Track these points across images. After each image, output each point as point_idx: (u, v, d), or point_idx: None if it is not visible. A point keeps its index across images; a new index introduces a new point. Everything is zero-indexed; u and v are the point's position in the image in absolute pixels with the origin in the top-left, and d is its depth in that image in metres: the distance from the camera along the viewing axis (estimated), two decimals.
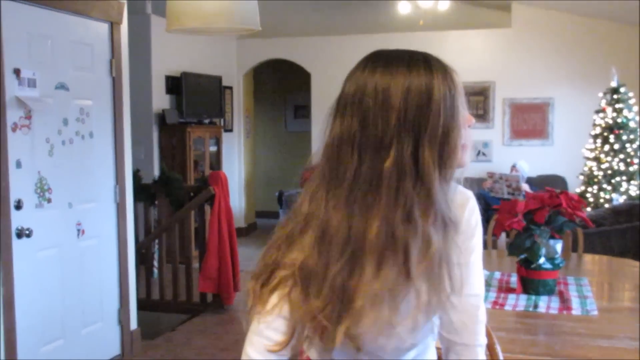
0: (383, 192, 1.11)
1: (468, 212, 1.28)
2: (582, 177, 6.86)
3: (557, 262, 2.70)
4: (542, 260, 2.66)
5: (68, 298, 3.80)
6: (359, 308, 1.11)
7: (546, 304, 2.58)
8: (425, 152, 1.11)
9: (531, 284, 2.69)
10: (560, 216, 2.64)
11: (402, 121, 1.11)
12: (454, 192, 1.23)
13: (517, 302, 2.62)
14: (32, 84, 3.44)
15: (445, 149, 1.13)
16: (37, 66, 3.49)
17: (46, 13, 3.55)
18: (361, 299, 1.11)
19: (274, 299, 1.19)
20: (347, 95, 1.18)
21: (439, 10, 7.22)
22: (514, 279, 2.91)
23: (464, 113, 1.20)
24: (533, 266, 2.67)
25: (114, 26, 4.08)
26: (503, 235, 3.98)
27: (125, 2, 4.18)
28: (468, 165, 1.22)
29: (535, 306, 2.56)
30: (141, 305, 4.72)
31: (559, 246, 2.77)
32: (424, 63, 1.18)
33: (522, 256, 2.70)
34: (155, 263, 5.92)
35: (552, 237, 2.72)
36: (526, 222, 2.64)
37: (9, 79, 3.29)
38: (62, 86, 3.68)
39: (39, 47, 3.51)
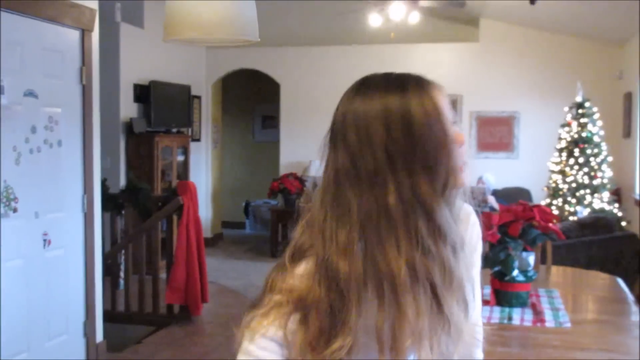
0: (397, 228, 1.07)
1: (470, 227, 1.26)
2: (546, 190, 6.97)
3: (529, 274, 2.73)
4: (515, 272, 2.68)
5: (33, 310, 3.71)
6: (405, 347, 1.08)
7: (520, 316, 2.60)
8: (421, 182, 1.07)
9: (505, 296, 2.72)
10: (534, 229, 2.67)
11: (390, 153, 1.07)
12: (458, 210, 1.20)
13: (491, 314, 2.64)
14: (0, 90, 3.37)
15: (440, 174, 1.09)
16: (6, 72, 3.42)
17: (17, 19, 3.48)
18: (407, 338, 1.08)
19: (267, 321, 1.14)
20: (336, 126, 1.13)
21: (410, 24, 7.28)
22: (487, 291, 2.92)
23: (453, 131, 1.13)
24: (507, 278, 2.69)
25: (85, 33, 4.03)
26: None
27: (97, 9, 4.13)
28: (466, 185, 1.18)
29: (509, 318, 2.58)
30: (106, 317, 4.63)
31: (531, 259, 2.81)
32: (399, 86, 1.12)
33: (496, 268, 2.72)
34: (122, 274, 5.83)
35: (525, 249, 2.75)
36: (500, 235, 2.67)
37: None
38: (31, 93, 3.61)
39: (8, 53, 3.44)
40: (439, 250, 1.08)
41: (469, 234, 1.25)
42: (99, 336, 4.32)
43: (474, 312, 1.26)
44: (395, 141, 1.06)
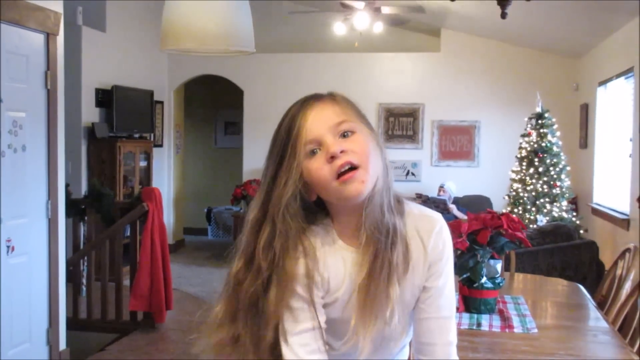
0: None
1: (434, 237, 1.33)
2: (507, 198, 7.10)
3: (497, 281, 2.79)
4: (483, 279, 2.74)
5: None
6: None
7: (488, 322, 2.66)
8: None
9: (473, 302, 2.77)
10: (501, 237, 2.73)
11: None
12: (417, 217, 1.34)
13: (460, 320, 2.69)
14: None
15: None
16: None
17: None
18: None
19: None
20: None
21: (374, 33, 7.37)
22: (455, 298, 2.97)
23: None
24: (475, 285, 2.75)
25: (50, 37, 3.98)
26: None
27: (62, 13, 4.08)
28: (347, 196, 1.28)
29: (478, 324, 2.63)
30: (69, 324, 4.57)
31: (499, 266, 2.87)
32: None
33: (465, 275, 2.77)
34: (84, 280, 5.74)
35: (493, 257, 2.81)
36: (469, 243, 2.72)
37: None
38: None
39: None
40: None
41: (432, 244, 1.33)
42: (62, 344, 4.26)
43: (443, 322, 1.35)
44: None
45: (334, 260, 1.32)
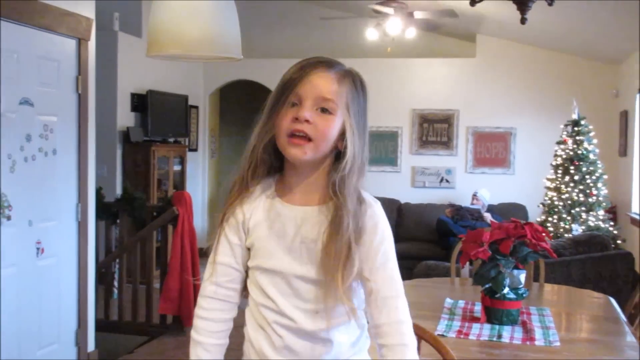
0: None
1: (368, 218, 1.44)
2: (542, 207, 6.97)
3: (520, 292, 2.72)
4: (506, 290, 2.68)
5: (24, 318, 3.70)
6: None
7: (510, 334, 2.60)
8: None
9: (495, 313, 2.71)
10: (525, 247, 2.67)
11: None
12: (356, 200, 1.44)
13: (481, 331, 2.64)
14: None
15: None
16: (2, 81, 3.42)
17: (13, 27, 3.49)
18: None
19: None
20: None
21: (407, 38, 7.32)
22: (477, 308, 2.92)
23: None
24: (497, 296, 2.69)
25: (81, 42, 4.04)
26: None
27: (94, 19, 4.14)
28: (287, 154, 1.42)
29: (499, 336, 2.57)
30: (99, 326, 4.62)
31: (522, 276, 2.81)
32: None
33: (487, 286, 2.72)
34: (115, 283, 5.81)
35: (516, 267, 2.75)
36: (491, 252, 2.67)
37: None
38: (26, 102, 3.62)
39: (4, 61, 3.45)
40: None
41: (368, 226, 1.44)
42: (91, 345, 4.31)
43: (390, 301, 1.43)
44: None
45: (263, 207, 1.47)
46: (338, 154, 1.44)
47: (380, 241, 1.43)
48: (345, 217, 1.38)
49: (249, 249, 1.50)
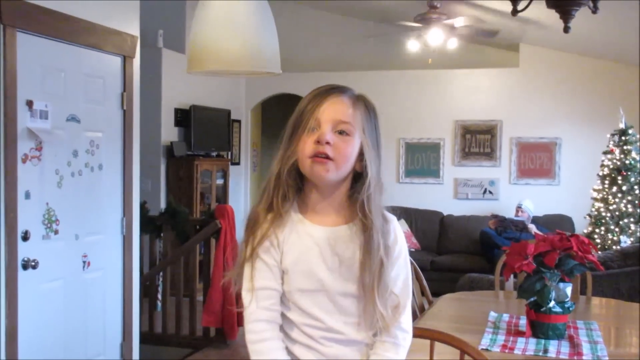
0: None
1: (387, 233, 1.52)
2: (589, 218, 6.83)
3: (567, 305, 2.67)
4: (552, 303, 2.63)
5: (71, 331, 3.77)
6: None
7: (556, 349, 2.55)
8: None
9: (541, 327, 2.66)
10: (571, 259, 2.62)
11: None
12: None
13: (527, 346, 2.59)
14: (44, 115, 3.46)
15: None
16: (50, 98, 3.51)
17: (61, 46, 3.59)
18: None
19: None
20: None
21: (448, 49, 7.28)
22: (522, 322, 2.87)
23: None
24: (543, 309, 2.64)
25: (126, 60, 4.12)
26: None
27: (139, 36, 4.22)
28: (312, 174, 1.49)
29: (545, 350, 2.52)
30: (143, 339, 4.68)
31: (568, 289, 2.75)
32: None
33: (532, 299, 2.67)
34: (159, 296, 5.89)
35: (562, 280, 2.69)
36: (536, 265, 2.62)
37: (22, 111, 3.31)
38: (73, 118, 3.70)
39: (52, 79, 3.54)
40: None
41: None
42: (136, 357, 4.36)
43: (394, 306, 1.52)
44: None
45: (295, 231, 1.52)
46: (355, 175, 1.52)
47: (397, 255, 1.53)
48: (375, 235, 1.48)
49: (283, 272, 1.54)
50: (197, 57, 1.49)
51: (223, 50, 1.47)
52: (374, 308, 1.48)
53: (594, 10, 2.68)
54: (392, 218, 1.55)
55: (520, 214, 7.49)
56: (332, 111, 1.49)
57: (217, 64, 1.49)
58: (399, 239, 1.54)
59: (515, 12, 2.70)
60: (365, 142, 1.50)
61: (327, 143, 1.46)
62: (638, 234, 6.21)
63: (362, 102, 1.54)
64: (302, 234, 1.51)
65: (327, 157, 1.46)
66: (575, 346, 2.57)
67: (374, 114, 1.55)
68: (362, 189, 1.48)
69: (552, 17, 6.02)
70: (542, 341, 2.63)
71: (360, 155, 1.50)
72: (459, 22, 6.39)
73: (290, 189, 1.52)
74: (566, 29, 2.70)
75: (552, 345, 2.58)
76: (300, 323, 1.52)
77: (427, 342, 1.98)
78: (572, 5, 2.64)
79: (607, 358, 2.44)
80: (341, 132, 1.48)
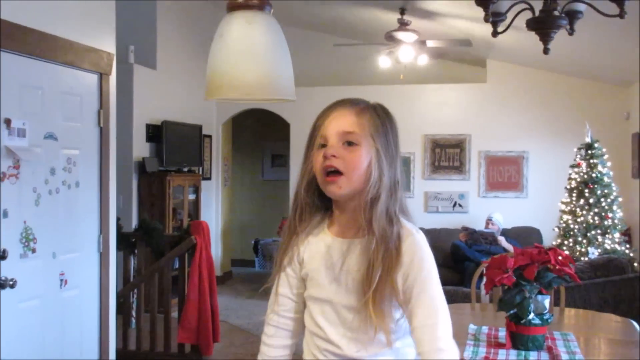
0: None
1: (406, 246, 1.47)
2: (557, 230, 6.97)
3: (545, 317, 2.74)
4: (531, 315, 2.70)
5: (49, 350, 3.73)
6: None
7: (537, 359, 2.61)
8: None
9: (521, 339, 2.72)
10: (549, 272, 2.69)
11: None
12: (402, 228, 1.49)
13: (508, 357, 2.65)
14: (21, 133, 3.44)
15: None
16: (27, 116, 3.49)
17: (39, 64, 3.57)
18: None
19: None
20: None
21: (418, 65, 7.40)
22: (502, 334, 2.94)
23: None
24: (523, 321, 2.71)
25: (103, 77, 4.12)
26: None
27: (115, 53, 4.22)
28: (327, 193, 1.51)
29: None
30: (118, 356, 4.64)
31: (547, 301, 2.82)
32: None
33: (512, 311, 2.73)
34: (134, 312, 5.84)
35: (540, 292, 2.76)
36: (516, 278, 2.69)
37: None
38: (50, 136, 3.68)
39: (30, 97, 3.52)
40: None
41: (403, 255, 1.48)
42: None
43: (427, 329, 1.44)
44: None
45: (315, 242, 1.56)
46: None
47: (418, 271, 1.46)
48: (372, 240, 1.45)
49: (304, 280, 1.59)
50: (216, 85, 1.53)
51: (241, 79, 1.51)
52: (373, 323, 1.45)
53: (571, 32, 2.78)
54: (414, 231, 1.50)
55: (490, 226, 7.61)
56: (336, 124, 1.50)
57: (235, 92, 1.53)
58: (417, 253, 1.47)
59: (495, 33, 2.78)
60: (374, 148, 1.49)
61: (334, 156, 1.47)
62: (605, 245, 6.36)
63: (371, 109, 1.54)
64: (320, 245, 1.56)
65: (338, 172, 1.47)
66: (554, 357, 2.64)
67: (388, 119, 1.55)
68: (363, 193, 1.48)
69: (518, 34, 6.18)
70: (523, 352, 2.70)
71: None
72: (429, 41, 6.51)
73: (307, 207, 1.55)
74: (545, 51, 2.80)
75: (533, 357, 2.65)
76: (310, 331, 1.59)
77: None
78: (551, 28, 2.73)
79: None
80: (350, 143, 1.48)
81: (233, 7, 1.53)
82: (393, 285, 1.44)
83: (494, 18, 2.72)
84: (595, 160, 6.55)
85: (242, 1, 1.52)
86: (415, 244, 1.48)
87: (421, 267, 1.46)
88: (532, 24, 2.80)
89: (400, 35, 6.38)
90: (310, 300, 1.58)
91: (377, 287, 1.43)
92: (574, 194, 6.67)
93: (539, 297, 2.75)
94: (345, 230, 1.54)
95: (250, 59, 1.49)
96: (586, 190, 6.54)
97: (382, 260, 1.44)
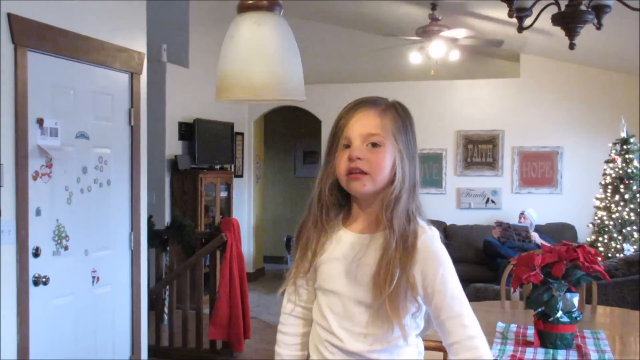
0: None
1: (421, 243, 1.50)
2: (591, 226, 6.86)
3: (574, 315, 2.70)
4: (559, 313, 2.66)
5: (81, 346, 3.80)
6: None
7: (564, 358, 2.57)
8: None
9: (549, 337, 2.69)
10: (577, 269, 2.65)
11: None
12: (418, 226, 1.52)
13: (535, 356, 2.62)
14: (54, 133, 3.51)
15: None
16: (60, 116, 3.56)
17: (70, 64, 3.64)
18: None
19: None
20: None
21: (450, 61, 7.34)
22: (530, 332, 2.91)
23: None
24: (551, 320, 2.67)
25: (134, 76, 4.18)
26: None
27: (145, 53, 4.28)
28: (350, 190, 1.54)
29: None
30: (150, 352, 4.71)
31: (575, 299, 2.78)
32: None
33: (540, 309, 2.70)
34: (166, 309, 5.91)
35: (569, 290, 2.73)
36: (543, 276, 2.65)
37: (32, 128, 3.36)
38: (82, 135, 3.75)
39: (62, 97, 3.59)
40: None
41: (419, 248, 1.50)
42: None
43: (455, 321, 1.48)
44: None
45: (330, 236, 1.58)
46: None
47: (436, 266, 1.49)
48: (392, 237, 1.48)
49: (315, 271, 1.62)
50: (226, 86, 1.54)
51: (251, 80, 1.53)
52: (387, 319, 1.48)
53: (598, 27, 2.73)
54: (428, 229, 1.54)
55: (523, 220, 7.52)
56: (360, 126, 1.52)
57: (245, 94, 1.55)
58: (433, 249, 1.50)
59: (520, 29, 2.74)
60: (397, 148, 1.52)
61: (359, 158, 1.50)
62: None
63: (392, 110, 1.56)
64: (334, 238, 1.58)
65: (362, 172, 1.50)
66: (583, 355, 2.60)
67: (408, 119, 1.57)
68: (387, 192, 1.51)
69: (552, 28, 6.09)
70: (551, 351, 2.66)
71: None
72: (460, 34, 6.44)
73: (332, 206, 1.59)
74: (571, 46, 2.75)
75: (561, 355, 2.61)
76: (316, 322, 1.61)
77: (441, 354, 2.01)
78: (577, 23, 2.68)
79: None
80: (374, 145, 1.51)
81: (243, 9, 1.54)
82: (409, 280, 1.48)
83: (519, 14, 2.69)
84: (630, 156, 6.43)
85: (252, 2, 1.54)
86: (430, 240, 1.52)
87: (439, 262, 1.50)
88: (557, 19, 2.76)
89: (434, 29, 6.29)
90: (319, 291, 1.61)
91: (394, 282, 1.46)
92: (609, 190, 6.56)
93: (568, 294, 2.71)
94: (361, 226, 1.57)
95: (260, 60, 1.50)
96: (621, 186, 6.43)
97: (400, 258, 1.47)
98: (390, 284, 1.45)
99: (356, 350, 1.52)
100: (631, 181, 6.39)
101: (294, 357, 1.69)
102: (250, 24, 1.53)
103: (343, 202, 1.60)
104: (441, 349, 1.75)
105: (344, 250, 1.55)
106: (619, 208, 6.42)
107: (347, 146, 1.53)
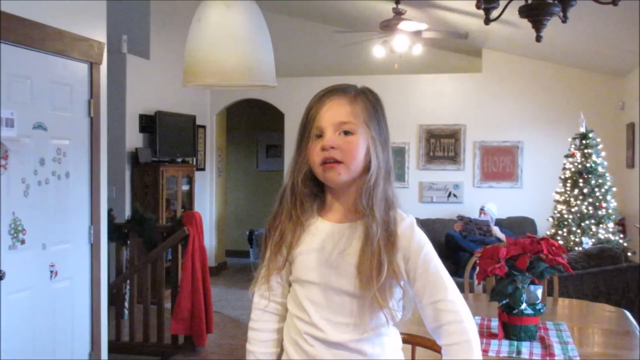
0: None
1: (402, 231, 1.51)
2: (551, 220, 6.96)
3: (538, 307, 2.72)
4: (523, 305, 2.68)
5: (39, 342, 3.70)
6: None
7: (529, 350, 2.59)
8: None
9: (513, 329, 2.71)
10: (541, 262, 2.67)
11: None
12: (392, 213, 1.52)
13: (500, 347, 2.63)
14: (10, 123, 3.40)
15: None
16: (16, 106, 3.45)
17: (27, 53, 3.53)
18: None
19: None
20: None
21: (413, 55, 7.36)
22: (494, 324, 2.92)
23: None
24: (515, 312, 2.69)
25: (93, 66, 4.08)
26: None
27: (105, 42, 4.18)
28: (326, 180, 1.52)
29: (518, 352, 2.57)
30: (111, 348, 4.62)
31: (539, 292, 2.80)
32: None
33: (504, 301, 2.72)
34: (126, 304, 5.82)
35: (533, 282, 2.75)
36: (508, 268, 2.67)
37: None
38: (40, 126, 3.64)
39: (18, 86, 3.48)
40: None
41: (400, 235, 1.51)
42: None
43: (444, 304, 1.48)
44: None
45: (305, 228, 1.56)
46: (368, 169, 1.52)
47: (418, 249, 1.51)
48: (373, 225, 1.46)
49: (290, 264, 1.58)
50: (194, 71, 1.49)
51: (220, 64, 1.48)
52: (372, 306, 1.48)
53: (564, 19, 2.75)
54: (406, 215, 1.54)
55: (483, 215, 7.60)
56: (330, 114, 1.50)
57: (214, 78, 1.50)
58: (414, 234, 1.52)
59: (487, 20, 2.75)
60: (370, 135, 1.51)
61: (332, 147, 1.48)
62: (599, 235, 6.35)
63: (363, 96, 1.54)
64: (311, 229, 1.55)
65: (337, 161, 1.49)
66: (547, 347, 2.62)
67: (379, 105, 1.56)
68: (364, 180, 1.50)
69: (514, 24, 6.15)
70: (515, 343, 2.68)
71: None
72: (423, 26, 6.45)
73: (306, 197, 1.56)
74: (538, 38, 2.77)
75: (525, 347, 2.63)
76: (293, 315, 1.57)
77: (409, 346, 2.00)
78: (544, 15, 2.70)
79: (578, 358, 2.50)
80: (346, 133, 1.50)
81: None
82: (394, 269, 1.47)
83: (486, 5, 2.69)
84: (589, 150, 6.53)
85: None
86: (410, 227, 1.52)
87: (420, 247, 1.51)
88: (524, 11, 2.77)
89: (401, 24, 6.27)
90: (296, 283, 1.57)
91: (379, 269, 1.46)
92: (569, 184, 6.66)
93: (531, 287, 2.73)
94: (338, 215, 1.56)
95: (229, 44, 1.46)
96: (580, 180, 6.53)
97: (385, 246, 1.46)
98: (379, 276, 1.45)
99: (339, 340, 1.50)
100: (590, 175, 6.50)
101: (268, 355, 1.64)
102: (219, 7, 1.48)
103: (317, 192, 1.58)
104: (406, 340, 1.75)
105: (322, 241, 1.53)
106: (578, 202, 6.52)
107: (319, 136, 1.51)
